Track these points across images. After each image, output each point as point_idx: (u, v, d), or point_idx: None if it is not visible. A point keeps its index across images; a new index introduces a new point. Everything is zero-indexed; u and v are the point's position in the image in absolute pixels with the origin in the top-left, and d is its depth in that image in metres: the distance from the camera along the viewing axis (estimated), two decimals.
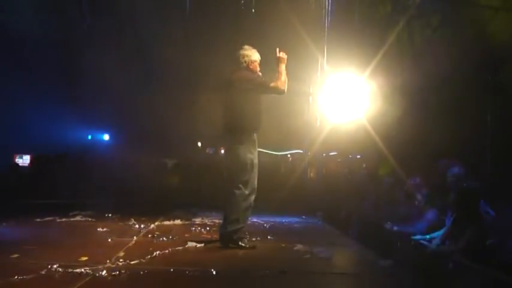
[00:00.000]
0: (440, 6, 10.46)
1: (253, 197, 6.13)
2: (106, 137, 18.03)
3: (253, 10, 10.12)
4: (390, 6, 10.94)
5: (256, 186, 6.14)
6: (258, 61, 6.37)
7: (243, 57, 6.31)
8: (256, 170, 6.14)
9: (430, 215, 6.67)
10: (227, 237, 6.07)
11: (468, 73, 9.88)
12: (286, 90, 6.17)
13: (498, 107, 9.12)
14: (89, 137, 18.42)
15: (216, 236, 6.90)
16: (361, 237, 7.07)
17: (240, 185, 6.00)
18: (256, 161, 6.15)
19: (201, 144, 17.13)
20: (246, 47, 6.40)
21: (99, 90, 14.76)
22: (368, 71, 9.62)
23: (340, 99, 9.03)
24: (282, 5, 10.63)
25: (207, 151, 16.96)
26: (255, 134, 6.17)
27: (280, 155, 12.45)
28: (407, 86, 10.73)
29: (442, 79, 10.75)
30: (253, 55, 6.34)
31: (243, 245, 6.01)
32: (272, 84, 6.11)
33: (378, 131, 10.17)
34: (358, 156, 12.87)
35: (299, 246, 6.12)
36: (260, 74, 6.35)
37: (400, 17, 10.41)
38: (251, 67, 6.30)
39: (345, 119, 9.24)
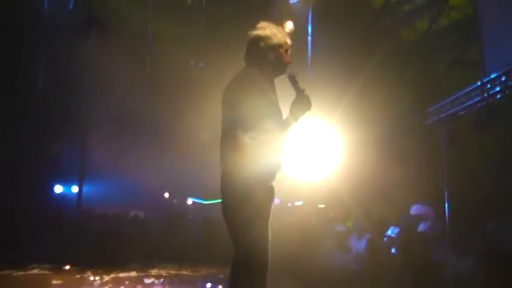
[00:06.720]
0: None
1: None
2: (74, 189, 17.16)
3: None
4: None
5: None
6: (284, 45, 3.74)
7: (258, 42, 3.70)
8: None
9: None
10: None
11: (426, 124, 10.17)
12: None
13: (453, 157, 9.36)
14: (57, 189, 17.15)
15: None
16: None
17: None
18: None
19: (169, 195, 17.15)
20: (263, 24, 3.76)
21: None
22: (332, 121, 9.73)
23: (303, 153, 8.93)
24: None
25: (174, 202, 17.07)
26: None
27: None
28: (371, 136, 10.94)
29: (402, 130, 11.07)
30: (274, 37, 3.70)
31: None
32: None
33: (341, 181, 10.28)
34: (322, 206, 12.89)
35: None
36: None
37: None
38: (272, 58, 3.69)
39: (311, 177, 9.28)
